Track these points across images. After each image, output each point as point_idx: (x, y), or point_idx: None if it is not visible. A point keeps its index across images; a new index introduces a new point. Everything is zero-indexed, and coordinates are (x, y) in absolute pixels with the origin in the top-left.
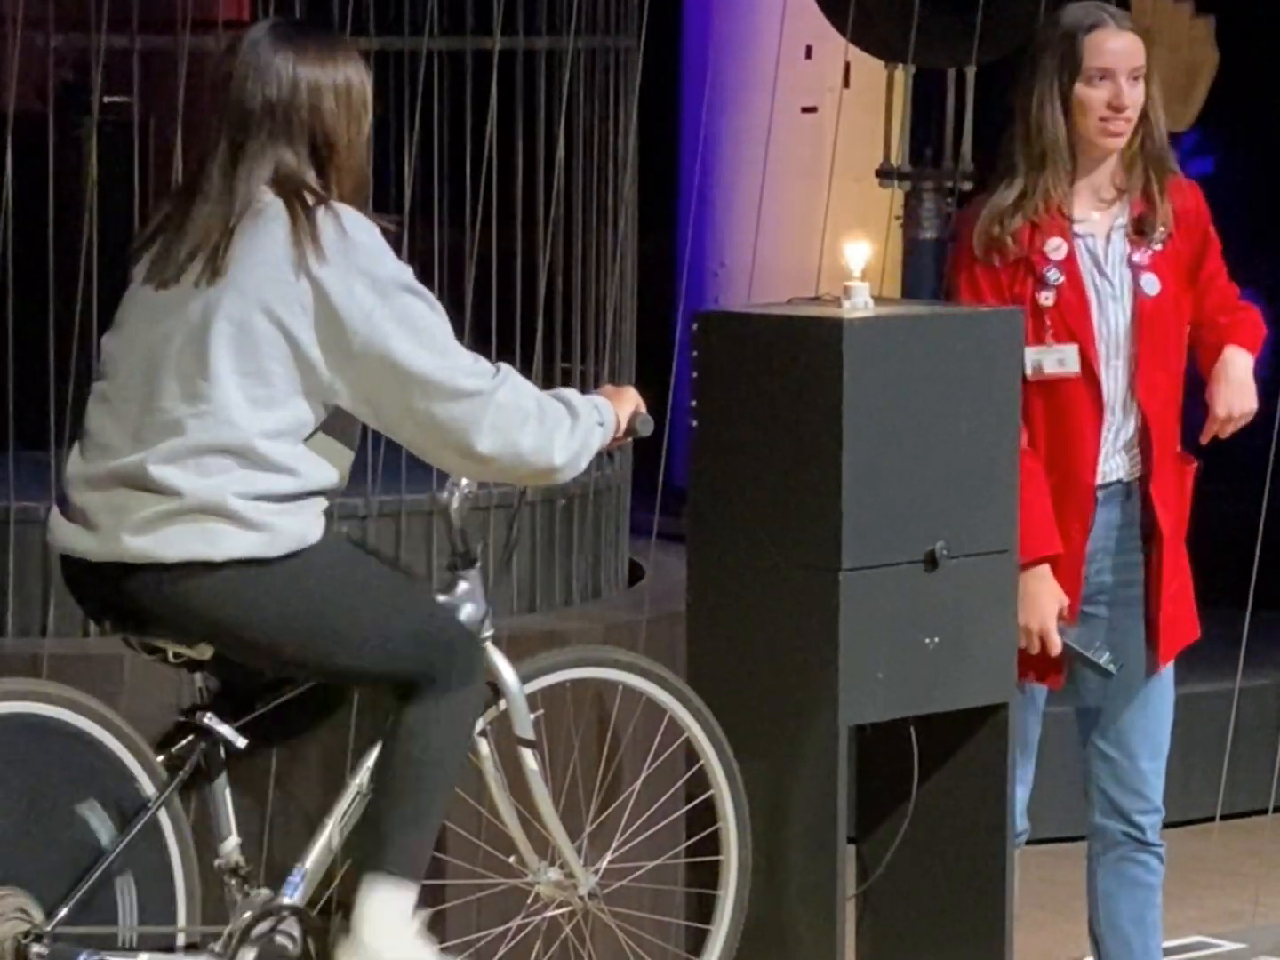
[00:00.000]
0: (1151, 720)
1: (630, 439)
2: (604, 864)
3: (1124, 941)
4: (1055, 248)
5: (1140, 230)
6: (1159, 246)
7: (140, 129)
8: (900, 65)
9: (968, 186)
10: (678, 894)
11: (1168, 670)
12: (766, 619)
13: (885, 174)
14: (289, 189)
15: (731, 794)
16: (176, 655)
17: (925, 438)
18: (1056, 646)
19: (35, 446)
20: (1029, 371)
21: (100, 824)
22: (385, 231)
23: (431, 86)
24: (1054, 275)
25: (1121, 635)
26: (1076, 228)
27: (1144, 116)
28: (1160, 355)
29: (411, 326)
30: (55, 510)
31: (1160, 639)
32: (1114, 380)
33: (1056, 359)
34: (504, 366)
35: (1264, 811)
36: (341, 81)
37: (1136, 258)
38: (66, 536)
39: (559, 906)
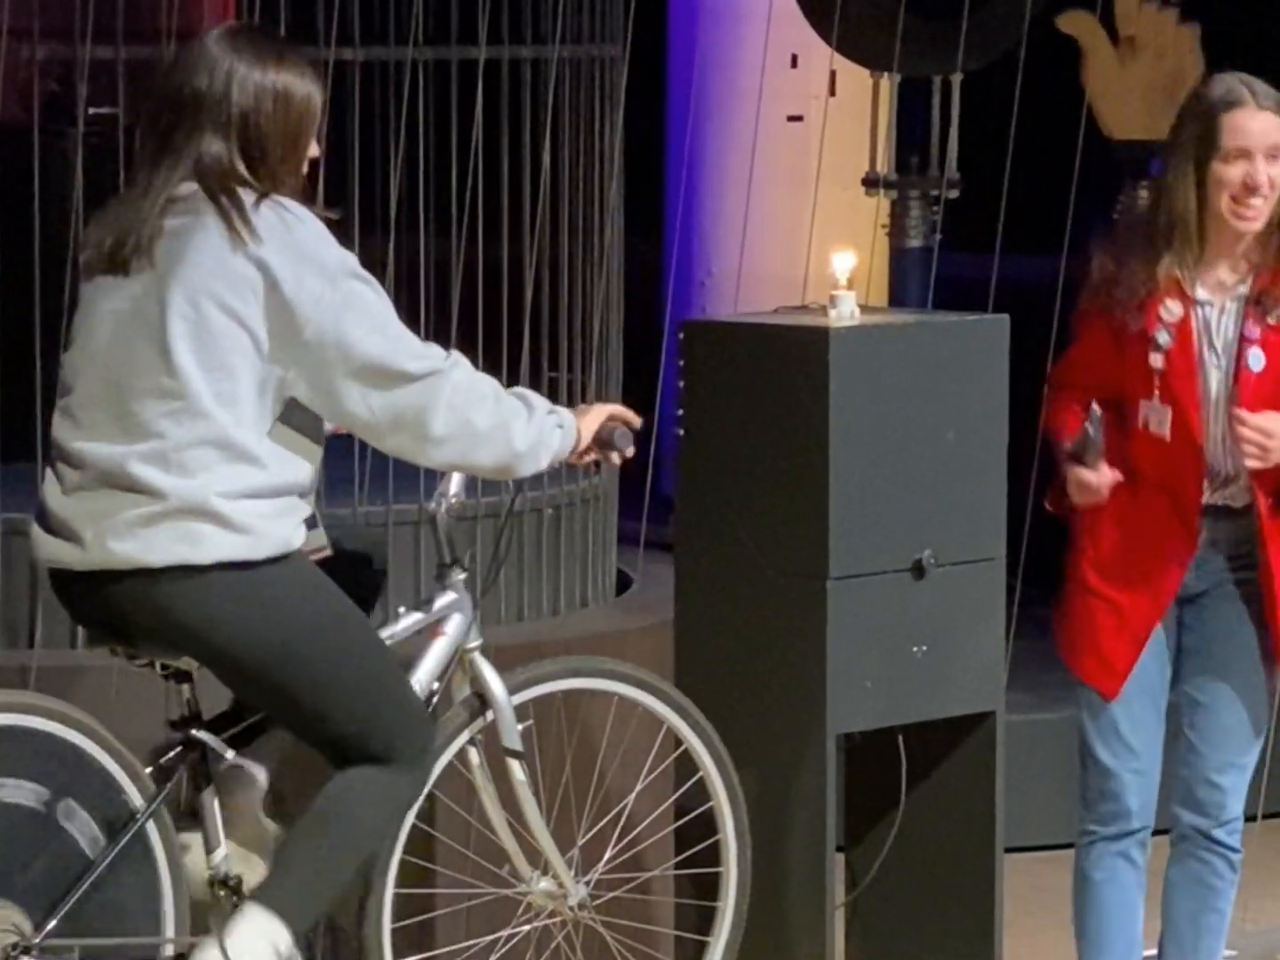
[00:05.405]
0: (1239, 720)
1: (612, 455)
2: (595, 875)
3: (1177, 935)
4: (1171, 310)
5: (1259, 302)
6: (1274, 321)
7: (125, 140)
8: (886, 73)
9: (954, 194)
10: (671, 905)
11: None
12: (754, 628)
13: (871, 182)
14: (213, 179)
15: (731, 806)
16: (164, 666)
17: (912, 446)
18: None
19: (21, 459)
20: (1139, 423)
21: (88, 836)
22: (329, 222)
23: (417, 96)
24: (1164, 338)
25: (1225, 628)
26: (1198, 294)
27: None
28: None
29: (362, 311)
30: (35, 525)
31: (1276, 642)
32: (1215, 446)
33: (1158, 419)
34: (455, 353)
35: (1253, 819)
36: (280, 86)
37: (1248, 331)
38: (50, 549)
39: (550, 916)
